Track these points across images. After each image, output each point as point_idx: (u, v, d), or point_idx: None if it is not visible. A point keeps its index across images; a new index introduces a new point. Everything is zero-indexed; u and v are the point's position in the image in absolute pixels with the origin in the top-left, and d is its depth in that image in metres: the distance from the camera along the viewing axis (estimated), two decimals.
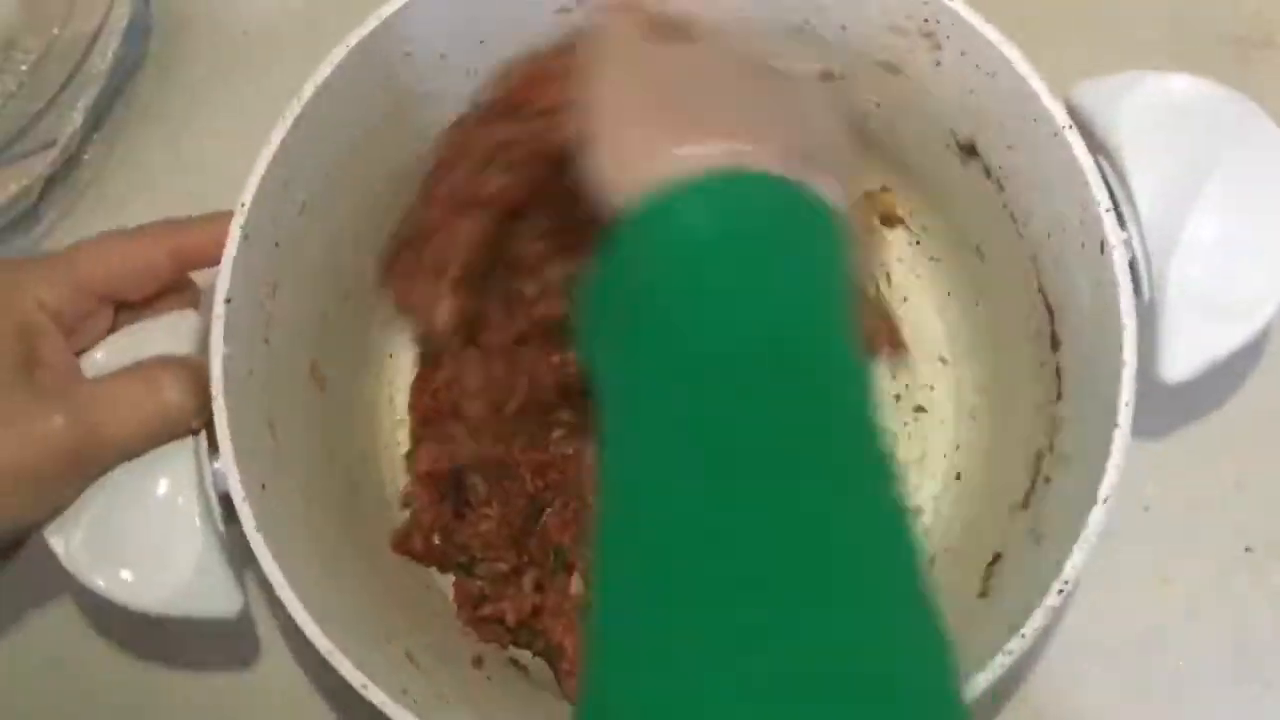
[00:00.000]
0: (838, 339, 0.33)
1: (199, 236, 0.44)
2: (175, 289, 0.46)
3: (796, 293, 0.33)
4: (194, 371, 0.44)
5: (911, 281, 0.55)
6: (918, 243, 0.55)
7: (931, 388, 0.53)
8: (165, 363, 0.44)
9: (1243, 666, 0.50)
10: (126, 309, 0.45)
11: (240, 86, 0.61)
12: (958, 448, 0.53)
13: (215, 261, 0.45)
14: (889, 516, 0.31)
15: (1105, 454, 0.40)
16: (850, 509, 0.30)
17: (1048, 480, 0.45)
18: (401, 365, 0.56)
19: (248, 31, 0.62)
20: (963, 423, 0.53)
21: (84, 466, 0.42)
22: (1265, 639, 0.50)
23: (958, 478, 0.52)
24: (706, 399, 0.31)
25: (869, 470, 0.32)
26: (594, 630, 0.30)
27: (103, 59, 0.58)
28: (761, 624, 0.27)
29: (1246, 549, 0.51)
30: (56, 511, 0.42)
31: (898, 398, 0.53)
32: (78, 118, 0.57)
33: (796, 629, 0.27)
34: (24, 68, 0.57)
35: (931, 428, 0.53)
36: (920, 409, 0.53)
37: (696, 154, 0.34)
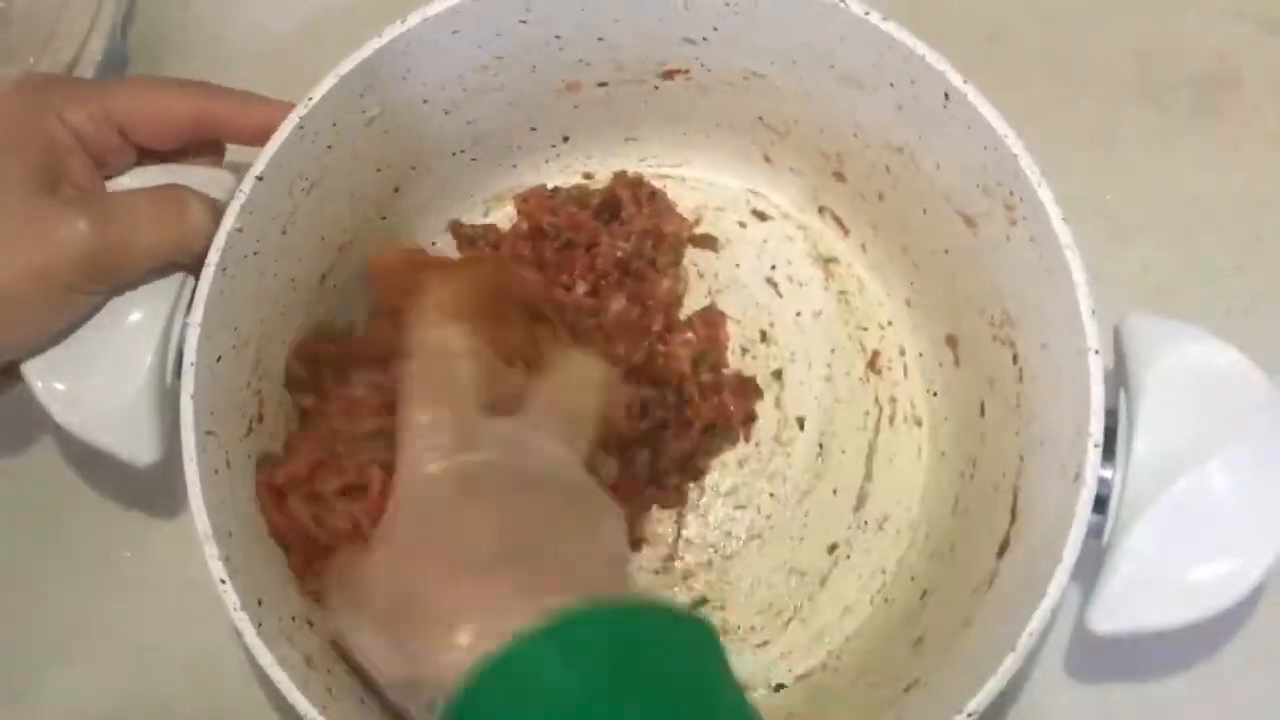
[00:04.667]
0: None
1: (228, 106, 0.45)
2: (209, 152, 0.47)
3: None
4: (219, 207, 0.44)
5: (905, 431, 0.54)
6: (935, 395, 0.54)
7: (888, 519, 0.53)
8: (193, 190, 0.44)
9: None
10: (152, 159, 0.46)
11: None
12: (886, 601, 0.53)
13: (235, 135, 0.45)
14: None
15: (988, 672, 0.40)
16: None
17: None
18: None
19: (230, 59, 0.60)
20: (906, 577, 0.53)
21: (101, 275, 0.42)
22: None
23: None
24: None
25: None
26: None
27: None
28: None
29: None
30: (68, 323, 0.43)
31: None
32: None
33: None
34: None
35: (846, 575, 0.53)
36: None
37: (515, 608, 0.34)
